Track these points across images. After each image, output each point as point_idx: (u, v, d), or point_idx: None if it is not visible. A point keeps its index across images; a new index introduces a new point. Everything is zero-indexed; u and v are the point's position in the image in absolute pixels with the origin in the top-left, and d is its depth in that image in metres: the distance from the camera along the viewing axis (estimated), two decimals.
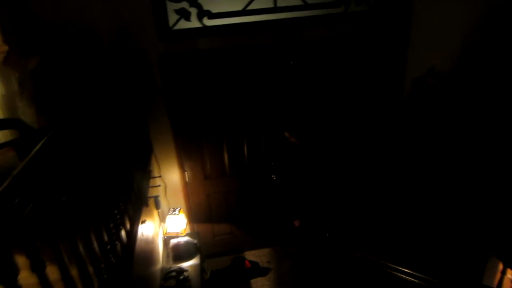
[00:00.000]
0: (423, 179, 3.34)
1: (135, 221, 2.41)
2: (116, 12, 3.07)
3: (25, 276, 1.13)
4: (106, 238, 1.78)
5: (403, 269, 2.76)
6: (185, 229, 3.62)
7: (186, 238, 3.61)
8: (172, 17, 3.25)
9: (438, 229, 3.22)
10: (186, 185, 3.92)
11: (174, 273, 3.27)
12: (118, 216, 2.05)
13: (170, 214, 3.62)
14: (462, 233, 3.08)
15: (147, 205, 2.88)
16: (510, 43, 2.93)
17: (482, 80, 3.07)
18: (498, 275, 2.90)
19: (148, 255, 2.87)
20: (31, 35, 2.90)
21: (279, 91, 3.64)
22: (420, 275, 2.69)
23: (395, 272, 2.83)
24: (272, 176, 3.67)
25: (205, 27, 3.31)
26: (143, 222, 2.58)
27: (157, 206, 3.14)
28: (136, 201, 2.56)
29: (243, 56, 3.49)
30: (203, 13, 3.27)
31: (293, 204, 3.44)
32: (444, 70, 3.33)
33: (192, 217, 4.10)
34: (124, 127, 2.60)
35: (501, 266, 2.85)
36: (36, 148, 1.26)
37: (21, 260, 1.04)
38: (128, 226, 2.24)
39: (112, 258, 1.81)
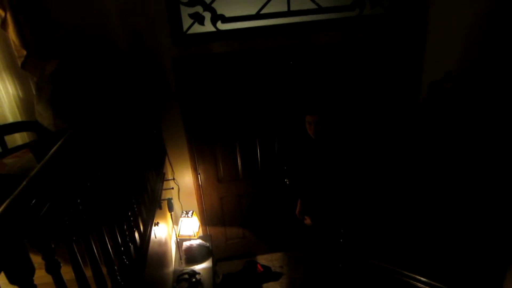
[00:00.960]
0: (440, 185, 3.28)
1: (148, 223, 2.43)
2: (131, 17, 3.11)
3: (41, 276, 1.15)
4: (119, 239, 1.79)
5: (420, 278, 2.71)
6: (197, 232, 3.63)
7: (199, 241, 3.62)
8: (186, 22, 3.27)
9: (456, 236, 3.15)
10: (199, 188, 3.94)
11: (186, 276, 3.28)
12: (132, 218, 2.07)
13: (183, 217, 3.64)
14: (480, 240, 3.01)
15: (160, 207, 2.90)
16: None
17: (501, 84, 3.00)
18: None
19: (161, 257, 2.88)
20: (49, 40, 2.97)
21: (292, 95, 3.63)
22: (437, 284, 2.63)
23: (411, 281, 2.77)
24: (285, 180, 3.64)
25: (219, 31, 3.33)
26: (156, 224, 2.60)
27: (170, 208, 3.15)
28: (149, 203, 2.59)
29: (257, 60, 3.49)
30: (216, 17, 3.29)
31: (306, 206, 3.40)
32: (462, 74, 3.28)
33: (205, 220, 4.11)
34: (139, 130, 2.63)
35: None
36: (53, 150, 1.28)
37: (36, 260, 1.06)
38: (141, 228, 2.26)
39: (126, 260, 1.83)
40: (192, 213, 3.67)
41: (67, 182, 1.30)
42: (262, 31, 3.36)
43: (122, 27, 3.09)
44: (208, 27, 3.31)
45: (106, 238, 1.61)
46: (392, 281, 2.80)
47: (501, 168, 2.88)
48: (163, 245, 3.01)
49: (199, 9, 3.25)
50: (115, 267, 1.66)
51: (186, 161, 3.78)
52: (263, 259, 4.33)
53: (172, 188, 3.61)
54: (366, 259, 2.83)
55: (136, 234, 2.13)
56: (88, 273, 1.40)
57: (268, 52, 3.46)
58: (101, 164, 1.68)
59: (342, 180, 3.21)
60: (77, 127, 1.53)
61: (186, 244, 3.59)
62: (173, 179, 3.70)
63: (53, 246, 1.11)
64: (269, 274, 4.07)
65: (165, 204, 3.10)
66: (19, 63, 2.79)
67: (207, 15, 3.28)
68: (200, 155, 3.80)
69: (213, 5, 3.25)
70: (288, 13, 3.35)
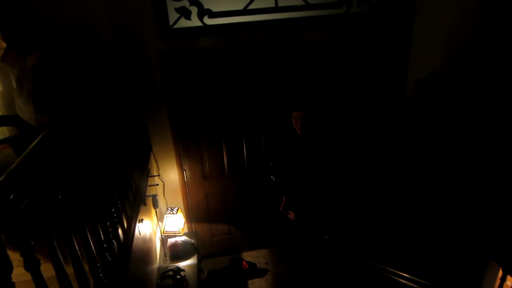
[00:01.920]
0: (423, 183, 3.33)
1: (132, 219, 2.40)
2: (116, 10, 3.06)
3: (19, 274, 1.12)
4: (102, 236, 1.76)
5: (402, 274, 2.74)
6: (183, 229, 3.61)
7: (184, 238, 3.60)
8: (173, 16, 3.23)
9: (437, 233, 3.20)
10: (185, 185, 3.91)
11: (171, 273, 3.26)
12: (115, 215, 2.03)
13: (168, 214, 3.61)
14: (461, 238, 3.07)
15: (145, 204, 2.87)
16: None
17: (486, 82, 3.05)
18: (498, 281, 2.88)
19: (145, 254, 2.85)
20: (30, 32, 2.89)
21: (279, 92, 3.63)
22: (419, 280, 2.67)
23: (394, 277, 2.81)
24: (271, 177, 3.64)
25: (206, 26, 3.29)
26: (140, 221, 2.57)
27: (155, 205, 3.12)
28: (133, 200, 2.55)
29: (244, 56, 3.48)
30: (203, 12, 3.26)
31: (292, 203, 3.41)
32: (447, 73, 3.32)
33: (190, 217, 4.08)
34: (123, 126, 2.59)
35: (500, 273, 2.83)
36: (33, 144, 1.25)
37: (15, 257, 1.03)
38: (125, 224, 2.23)
39: (109, 257, 1.80)
40: (177, 209, 3.64)
41: (48, 177, 1.27)
42: (249, 26, 3.35)
43: (107, 20, 3.04)
44: (194, 21, 3.28)
45: (88, 235, 1.58)
46: (376, 277, 2.84)
47: (484, 165, 2.93)
48: (147, 242, 2.97)
49: (185, 3, 3.22)
50: (98, 264, 1.63)
51: (171, 157, 3.74)
52: (248, 256, 4.33)
53: (157, 185, 3.57)
54: (350, 255, 2.86)
55: (120, 231, 2.09)
56: (70, 270, 1.37)
57: (255, 48, 3.45)
58: (83, 159, 1.64)
59: (327, 176, 3.23)
60: (58, 121, 1.49)
61: (171, 240, 3.56)
62: (158, 175, 3.66)
63: (32, 242, 1.08)
64: (255, 271, 4.08)
65: (149, 201, 3.07)
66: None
67: (194, 10, 3.25)
68: (186, 152, 3.77)
69: None
70: (276, 9, 3.34)
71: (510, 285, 2.55)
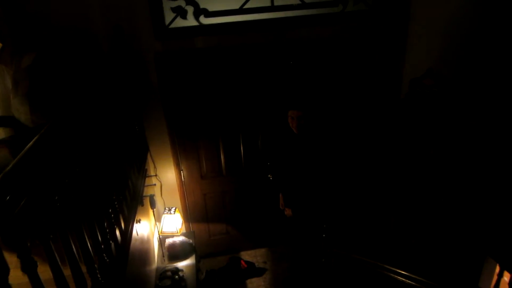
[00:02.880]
0: (420, 180, 3.34)
1: (130, 220, 2.39)
2: (112, 10, 3.04)
3: (16, 276, 1.11)
4: (100, 237, 1.76)
5: (400, 271, 2.75)
6: (180, 229, 3.60)
7: (182, 238, 3.59)
8: (169, 15, 3.22)
9: (435, 230, 3.22)
10: (182, 184, 3.90)
11: (169, 273, 3.25)
12: (113, 215, 2.03)
13: (166, 214, 3.60)
14: (459, 235, 3.08)
15: (142, 204, 2.86)
16: (509, 43, 2.93)
17: (481, 79, 3.06)
18: (495, 277, 2.89)
19: (143, 254, 2.84)
20: (26, 32, 2.87)
21: (275, 90, 3.63)
22: (416, 277, 2.68)
23: (392, 274, 2.81)
24: (269, 175, 3.65)
25: (202, 26, 3.29)
26: (138, 221, 2.56)
27: (153, 205, 3.11)
28: (131, 200, 2.54)
29: (240, 55, 3.47)
30: (199, 11, 3.25)
31: (289, 200, 3.42)
32: (443, 71, 3.33)
33: (188, 217, 4.08)
34: (120, 126, 2.58)
35: (498, 269, 2.84)
36: (29, 145, 1.24)
37: (11, 259, 1.02)
38: (122, 225, 2.22)
39: (106, 258, 1.79)
40: (175, 209, 3.63)
41: (44, 178, 1.26)
42: (245, 26, 3.34)
43: (103, 20, 3.02)
44: (190, 21, 3.27)
45: (86, 236, 1.57)
46: (374, 275, 2.84)
47: (480, 162, 2.95)
48: (145, 242, 2.97)
49: (181, 3, 3.21)
50: (95, 265, 1.62)
51: (168, 157, 3.73)
52: (246, 255, 4.33)
53: (155, 185, 3.56)
54: (348, 253, 2.86)
55: (117, 232, 2.09)
56: (67, 272, 1.37)
57: (252, 47, 3.44)
58: (79, 160, 1.63)
59: (324, 175, 3.24)
60: (54, 122, 1.48)
61: (168, 241, 3.55)
62: (156, 175, 3.65)
63: (29, 244, 1.07)
64: (253, 270, 4.08)
65: (147, 201, 3.06)
66: None
67: (190, 9, 3.24)
68: (183, 152, 3.76)
69: None
70: (272, 8, 3.34)
71: (507, 281, 2.57)
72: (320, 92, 3.70)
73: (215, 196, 4.07)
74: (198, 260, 3.63)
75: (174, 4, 3.20)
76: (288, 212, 3.41)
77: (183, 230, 3.81)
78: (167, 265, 3.41)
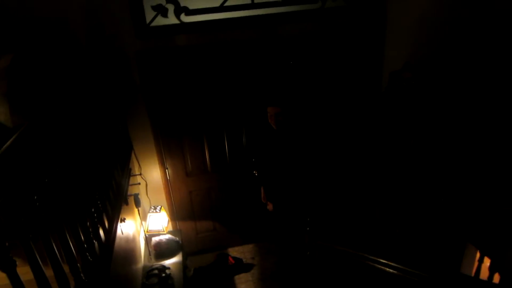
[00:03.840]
0: (401, 171, 3.41)
1: (113, 219, 2.39)
2: (91, 7, 3.02)
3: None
4: (82, 236, 1.76)
5: (383, 261, 2.81)
6: (167, 227, 3.61)
7: (168, 236, 3.60)
8: (149, 14, 3.21)
9: (417, 219, 3.29)
10: (167, 183, 3.90)
11: (156, 271, 3.26)
12: (96, 215, 2.02)
13: (151, 212, 3.60)
14: (439, 222, 3.15)
15: (126, 203, 2.86)
16: (485, 35, 3.01)
17: (458, 72, 3.13)
18: (476, 263, 2.98)
19: (129, 253, 2.85)
20: (3, 32, 2.83)
21: (257, 86, 3.66)
22: (398, 265, 2.74)
23: (375, 264, 2.87)
24: (254, 172, 3.68)
25: (183, 24, 3.29)
26: (122, 220, 2.56)
27: (137, 204, 3.11)
28: (114, 199, 2.54)
29: (221, 52, 3.49)
30: (180, 10, 3.25)
31: (270, 194, 3.47)
32: (421, 64, 3.39)
33: (174, 215, 4.08)
34: (102, 125, 2.57)
35: (478, 255, 2.93)
36: (6, 145, 1.24)
37: None
38: (106, 224, 2.22)
39: (89, 257, 1.79)
40: (161, 208, 3.64)
41: (22, 178, 1.26)
42: (226, 23, 3.36)
43: (83, 18, 2.99)
44: (171, 19, 3.27)
45: (68, 236, 1.57)
46: (358, 266, 2.90)
47: (460, 151, 3.02)
48: (130, 241, 2.97)
49: (162, 1, 3.20)
50: (78, 265, 1.63)
51: (153, 156, 3.73)
52: (234, 251, 4.36)
53: (139, 184, 3.56)
54: (332, 245, 2.91)
55: (101, 231, 2.09)
56: (50, 272, 1.37)
57: (233, 44, 3.46)
58: (60, 160, 1.63)
59: (305, 169, 3.29)
60: (33, 121, 1.48)
61: (155, 239, 3.56)
62: (140, 174, 3.64)
63: (7, 244, 1.08)
64: (241, 266, 4.11)
65: (131, 200, 3.06)
66: None
67: (171, 7, 3.24)
68: (168, 150, 3.76)
69: None
70: (252, 6, 3.36)
71: (488, 266, 2.65)
72: (300, 88, 3.73)
73: (201, 193, 4.08)
74: (185, 258, 3.65)
75: (155, 2, 3.19)
76: (270, 206, 3.46)
77: (170, 229, 3.81)
78: (154, 263, 3.42)
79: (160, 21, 3.26)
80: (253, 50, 3.52)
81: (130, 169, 3.28)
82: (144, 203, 3.58)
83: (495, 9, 2.86)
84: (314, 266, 3.08)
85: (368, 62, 3.74)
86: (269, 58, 3.57)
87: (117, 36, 3.16)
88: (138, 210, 3.27)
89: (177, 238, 3.66)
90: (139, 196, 3.16)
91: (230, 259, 4.13)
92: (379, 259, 2.80)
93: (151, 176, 3.78)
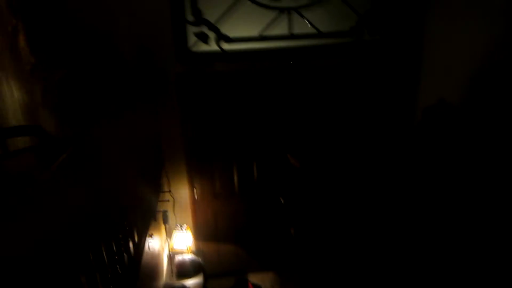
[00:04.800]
0: (431, 208, 3.33)
1: (143, 234, 2.45)
2: (139, 31, 3.21)
3: None
4: (114, 248, 1.82)
5: None
6: (190, 247, 3.64)
7: (191, 256, 3.63)
8: (191, 39, 3.37)
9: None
10: (194, 202, 3.96)
11: None
12: (127, 228, 2.09)
13: (177, 231, 3.65)
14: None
15: (155, 219, 2.93)
16: None
17: (494, 111, 3.08)
18: None
19: (153, 269, 2.89)
20: (58, 48, 3.05)
21: (290, 115, 3.71)
22: None
23: None
24: (280, 198, 3.69)
25: (222, 51, 3.42)
26: (150, 235, 2.62)
27: (165, 221, 3.18)
28: (145, 214, 2.61)
29: (257, 80, 3.58)
30: (221, 37, 3.39)
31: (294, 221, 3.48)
32: (456, 101, 3.36)
33: (198, 235, 4.11)
34: (140, 141, 2.68)
35: None
36: (58, 161, 1.32)
37: None
38: (136, 238, 2.28)
39: (119, 269, 1.84)
40: (186, 227, 3.68)
41: (68, 189, 1.34)
42: (264, 53, 3.47)
43: (130, 40, 3.18)
44: (212, 46, 3.42)
45: (102, 247, 1.63)
46: None
47: (491, 193, 2.94)
48: (155, 257, 3.02)
49: (204, 28, 3.36)
50: (108, 276, 1.68)
51: (183, 174, 3.81)
52: (254, 278, 4.30)
53: (168, 201, 3.63)
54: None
55: (131, 244, 2.15)
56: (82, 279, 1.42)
57: (268, 73, 3.55)
58: (103, 174, 1.72)
59: (330, 205, 3.29)
60: (82, 137, 1.58)
61: (178, 258, 3.59)
62: (169, 191, 3.72)
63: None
64: None
65: (160, 216, 3.13)
66: (27, 70, 2.86)
67: (212, 35, 3.39)
68: (197, 170, 3.84)
69: (218, 25, 3.36)
70: (290, 37, 3.47)
71: None
72: (333, 118, 3.75)
73: (227, 216, 4.11)
74: (205, 279, 3.65)
75: (197, 30, 3.35)
76: (291, 231, 3.47)
77: (193, 248, 3.84)
78: (175, 282, 3.44)
79: (201, 46, 3.42)
80: (289, 80, 3.60)
81: (161, 185, 3.37)
82: (170, 221, 3.65)
83: None
84: None
85: (402, 96, 3.73)
86: (301, 88, 3.63)
87: (160, 58, 3.32)
88: (165, 227, 3.33)
89: (199, 259, 3.68)
90: (167, 213, 3.22)
91: (250, 285, 4.08)
92: None
93: (179, 194, 3.86)
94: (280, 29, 3.47)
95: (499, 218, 2.85)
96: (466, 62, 3.30)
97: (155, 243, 2.94)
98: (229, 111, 3.66)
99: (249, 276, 4.33)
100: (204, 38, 3.40)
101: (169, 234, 3.68)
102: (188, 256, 3.61)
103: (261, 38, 3.44)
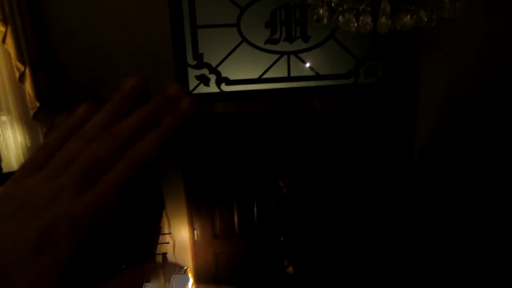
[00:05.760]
0: (428, 249, 3.29)
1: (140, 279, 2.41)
2: (141, 76, 3.31)
3: None
4: None
5: None
6: None
7: None
8: (193, 82, 3.48)
9: None
10: (194, 244, 3.92)
11: None
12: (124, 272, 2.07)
13: (176, 274, 3.58)
14: None
15: (154, 262, 2.89)
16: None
17: (490, 150, 3.12)
18: None
19: None
20: (62, 93, 3.16)
21: (289, 155, 3.74)
22: None
23: None
24: (281, 238, 3.65)
25: (223, 92, 3.53)
26: (148, 281, 2.58)
27: (164, 264, 3.12)
28: (143, 257, 2.58)
29: (256, 121, 3.65)
30: (221, 80, 3.50)
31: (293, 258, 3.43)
32: (452, 140, 3.41)
33: (198, 277, 4.03)
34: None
35: None
36: None
37: None
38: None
39: None
40: (186, 269, 3.61)
41: None
42: (263, 94, 3.56)
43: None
44: (212, 88, 3.52)
45: None
46: None
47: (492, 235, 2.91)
48: None
49: (205, 71, 3.48)
50: None
51: (183, 216, 3.80)
52: None
53: (168, 243, 3.59)
54: None
55: None
56: None
57: (268, 114, 3.63)
58: None
59: (322, 240, 3.26)
60: None
61: None
62: (170, 233, 3.69)
63: None
64: None
65: (159, 259, 3.09)
66: (31, 114, 2.94)
67: (212, 77, 3.50)
68: (198, 210, 3.83)
69: (219, 68, 3.48)
70: (288, 79, 3.58)
71: None
72: (329, 157, 3.78)
73: (227, 256, 4.05)
74: None
75: (198, 73, 3.47)
76: (290, 270, 3.40)
77: None
78: None
79: (202, 89, 3.52)
80: (286, 121, 3.66)
81: (160, 228, 3.35)
82: (169, 264, 3.59)
83: None
84: None
85: (399, 136, 3.79)
86: (300, 128, 3.70)
87: None
88: (164, 271, 3.27)
89: None
90: (167, 256, 3.18)
91: None
92: None
93: (179, 235, 3.82)
94: (280, 72, 3.58)
95: (496, 259, 2.82)
96: (458, 100, 3.40)
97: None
98: (229, 150, 3.70)
99: None
100: (205, 81, 3.51)
101: (168, 278, 3.60)
102: None
103: (261, 80, 3.55)
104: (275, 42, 3.49)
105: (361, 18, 2.02)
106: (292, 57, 3.54)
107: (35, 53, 2.86)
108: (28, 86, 2.86)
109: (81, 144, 0.32)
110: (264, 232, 3.99)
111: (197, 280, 4.01)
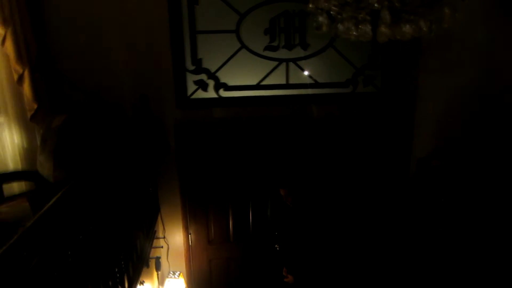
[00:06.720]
0: (425, 259, 3.29)
1: (134, 281, 2.41)
2: (141, 82, 3.32)
3: None
4: None
5: None
6: None
7: None
8: (191, 87, 3.49)
9: None
10: (189, 249, 3.90)
11: None
12: (118, 275, 2.07)
13: (170, 278, 3.57)
14: None
15: (147, 266, 2.88)
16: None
17: (489, 160, 3.12)
18: None
19: None
20: (60, 95, 3.16)
21: (286, 162, 3.74)
22: None
23: None
24: (276, 246, 3.64)
25: (221, 98, 3.53)
26: (141, 283, 2.57)
27: (158, 267, 3.12)
28: (137, 260, 2.58)
29: (254, 127, 3.66)
30: (219, 85, 3.51)
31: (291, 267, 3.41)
32: (450, 151, 3.42)
33: (192, 282, 4.01)
34: (135, 187, 2.70)
35: None
36: (49, 204, 1.35)
37: None
38: (126, 285, 2.24)
39: None
40: (179, 274, 3.60)
41: (60, 233, 1.36)
42: (261, 100, 3.57)
43: (130, 88, 3.29)
44: (211, 93, 3.53)
45: None
46: None
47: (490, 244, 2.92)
48: None
49: (203, 77, 3.49)
50: None
51: (178, 220, 3.79)
52: None
53: (162, 247, 3.58)
54: None
55: None
56: None
57: (265, 121, 3.64)
58: (94, 219, 1.73)
59: (320, 248, 3.25)
60: (76, 182, 1.61)
61: None
62: (164, 237, 3.68)
63: None
64: None
65: (153, 263, 3.08)
66: (28, 116, 2.94)
67: (211, 83, 3.51)
68: (193, 216, 3.82)
69: (217, 74, 3.49)
70: (287, 86, 3.59)
71: None
72: (327, 166, 3.78)
73: (221, 262, 4.03)
74: None
75: (197, 78, 3.48)
76: (289, 279, 3.37)
77: None
78: None
79: (200, 94, 3.52)
80: (283, 127, 3.67)
81: (155, 232, 3.34)
82: (163, 267, 3.58)
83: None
84: None
85: (396, 146, 3.78)
86: (297, 136, 3.70)
87: (159, 105, 3.41)
88: (158, 274, 3.27)
89: None
90: (160, 260, 3.17)
91: None
92: None
93: (173, 240, 3.81)
94: (279, 79, 3.59)
95: (492, 269, 2.82)
96: (457, 110, 3.41)
97: None
98: (225, 156, 3.69)
99: None
100: (203, 86, 3.52)
101: (161, 281, 3.59)
102: None
103: (259, 86, 3.56)
104: (274, 49, 3.51)
105: (360, 26, 2.03)
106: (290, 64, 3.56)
107: (34, 56, 2.86)
108: (26, 88, 2.86)
109: None
110: (259, 239, 3.98)
111: (190, 285, 3.99)
